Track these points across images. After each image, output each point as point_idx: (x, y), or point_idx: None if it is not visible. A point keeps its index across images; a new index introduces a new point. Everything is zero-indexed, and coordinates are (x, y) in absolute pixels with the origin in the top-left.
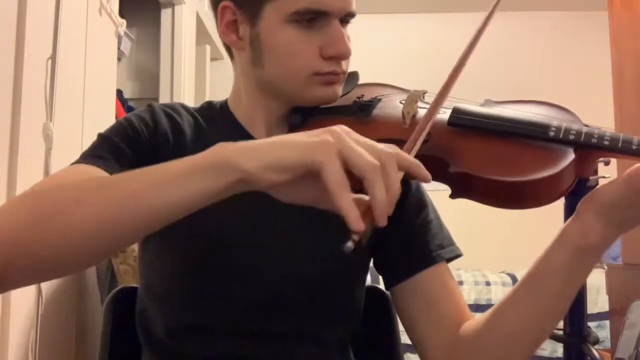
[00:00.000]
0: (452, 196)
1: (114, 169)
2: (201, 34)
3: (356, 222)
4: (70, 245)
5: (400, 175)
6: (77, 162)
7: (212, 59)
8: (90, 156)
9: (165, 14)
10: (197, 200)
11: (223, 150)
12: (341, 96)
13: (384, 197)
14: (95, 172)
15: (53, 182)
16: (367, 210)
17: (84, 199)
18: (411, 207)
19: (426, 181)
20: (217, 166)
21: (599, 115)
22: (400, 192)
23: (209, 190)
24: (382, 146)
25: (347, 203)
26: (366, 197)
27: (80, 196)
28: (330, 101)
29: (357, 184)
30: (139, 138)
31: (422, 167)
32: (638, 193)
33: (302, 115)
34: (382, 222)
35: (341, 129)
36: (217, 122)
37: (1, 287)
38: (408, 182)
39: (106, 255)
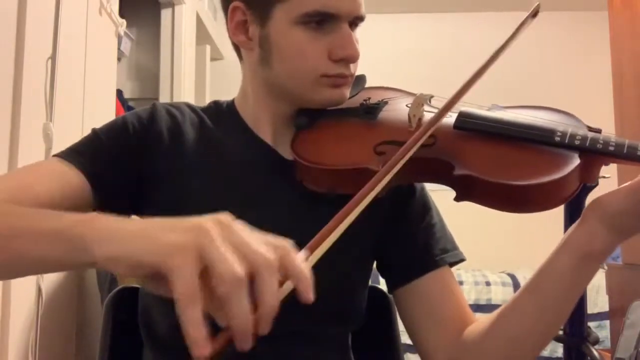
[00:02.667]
0: (457, 199)
1: (89, 169)
2: (201, 34)
3: (196, 345)
4: None
5: (288, 286)
6: (60, 155)
7: (212, 59)
8: (73, 151)
9: (165, 14)
10: (52, 265)
11: (85, 226)
12: (348, 98)
13: (242, 316)
14: (65, 171)
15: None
16: (227, 328)
17: None
18: (415, 211)
19: (307, 302)
20: (71, 241)
21: (599, 116)
22: (276, 308)
23: (62, 261)
24: (262, 250)
25: (190, 320)
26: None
27: None
28: (337, 103)
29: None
30: (128, 139)
31: (309, 282)
32: None
33: (309, 117)
34: (241, 344)
35: (218, 223)
36: (223, 122)
37: None
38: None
39: (19, 276)
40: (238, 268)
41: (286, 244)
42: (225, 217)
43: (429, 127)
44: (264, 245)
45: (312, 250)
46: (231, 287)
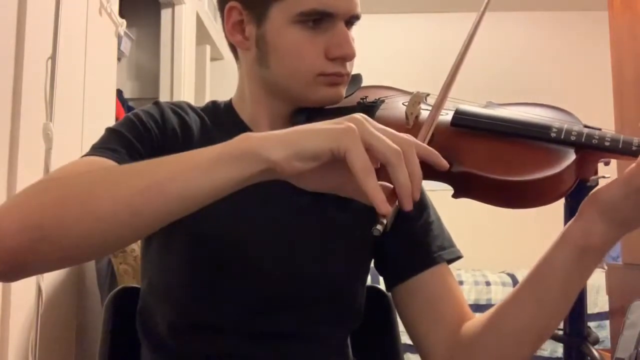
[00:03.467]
0: (455, 196)
1: (127, 160)
2: (201, 34)
3: (383, 204)
4: (93, 232)
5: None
6: (89, 154)
7: (212, 59)
8: (102, 149)
9: (165, 14)
10: (221, 190)
11: (248, 140)
12: (345, 97)
13: (407, 181)
14: (109, 164)
15: (71, 171)
16: (391, 195)
17: (105, 188)
18: (412, 209)
19: (444, 169)
20: (243, 156)
21: (599, 116)
22: (422, 176)
23: (233, 180)
24: (401, 134)
25: (373, 186)
26: (389, 185)
27: (101, 185)
28: (334, 102)
29: (379, 174)
30: (149, 133)
31: (439, 155)
32: (637, 192)
33: (306, 116)
34: (407, 206)
35: (362, 117)
36: (222, 122)
37: (23, 273)
38: None
39: (129, 242)
40: (395, 145)
41: (408, 134)
42: (362, 115)
43: (430, 123)
44: (397, 133)
45: (422, 140)
46: (395, 159)
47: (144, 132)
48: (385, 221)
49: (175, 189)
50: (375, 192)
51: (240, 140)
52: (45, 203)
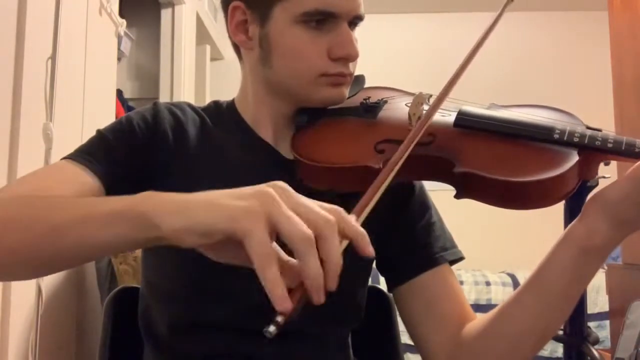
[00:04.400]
0: (457, 196)
1: (101, 169)
2: (201, 34)
3: (281, 300)
4: (13, 259)
5: (344, 244)
6: (69, 157)
7: (212, 59)
8: (82, 152)
9: (165, 14)
10: (114, 247)
11: (146, 203)
12: (348, 98)
13: (316, 272)
14: (78, 173)
15: (30, 182)
16: (301, 284)
17: (17, 222)
18: (414, 209)
19: (368, 256)
20: (135, 219)
21: (599, 116)
22: (341, 264)
23: (126, 240)
24: (322, 212)
25: (270, 279)
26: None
27: (16, 218)
28: (337, 102)
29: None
30: (135, 138)
31: (367, 238)
32: None
33: (309, 116)
34: (317, 299)
35: (277, 189)
36: (223, 122)
37: None
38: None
39: (46, 273)
40: (306, 228)
41: (338, 207)
42: (281, 183)
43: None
44: (321, 208)
45: (357, 215)
46: (304, 246)
47: (129, 136)
48: (281, 320)
49: (72, 238)
50: (273, 285)
51: (140, 200)
52: None
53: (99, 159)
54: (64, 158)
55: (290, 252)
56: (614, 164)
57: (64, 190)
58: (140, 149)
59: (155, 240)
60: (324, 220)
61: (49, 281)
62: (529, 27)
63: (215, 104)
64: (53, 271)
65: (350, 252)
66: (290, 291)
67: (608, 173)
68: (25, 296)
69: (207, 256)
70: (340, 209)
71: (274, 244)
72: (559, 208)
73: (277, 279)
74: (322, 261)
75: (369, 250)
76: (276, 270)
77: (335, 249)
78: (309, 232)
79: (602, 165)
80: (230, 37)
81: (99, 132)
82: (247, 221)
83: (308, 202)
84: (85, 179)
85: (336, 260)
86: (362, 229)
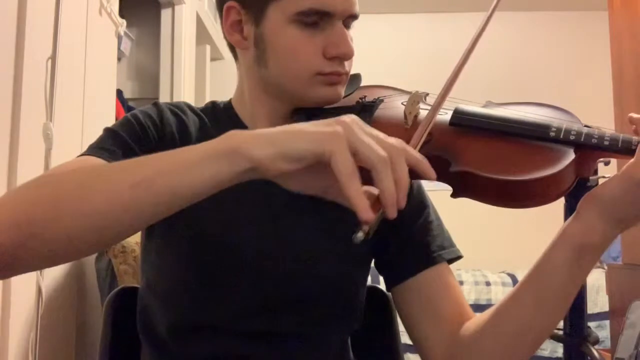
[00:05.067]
0: (454, 195)
1: (120, 160)
2: (201, 34)
3: (365, 211)
4: (82, 229)
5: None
6: (84, 154)
7: (212, 59)
8: (98, 148)
9: (165, 14)
10: (208, 187)
11: (233, 138)
12: (344, 97)
13: (392, 189)
14: (102, 163)
15: (66, 168)
16: (376, 202)
17: (96, 184)
18: (412, 208)
19: (432, 179)
20: (227, 154)
21: (599, 115)
22: (408, 184)
23: (219, 178)
24: (390, 139)
25: (356, 192)
26: (376, 190)
27: (93, 181)
28: (332, 101)
29: (365, 177)
30: (146, 134)
31: (428, 164)
32: (637, 186)
33: (305, 116)
34: (392, 213)
35: (351, 120)
36: (221, 122)
37: (12, 270)
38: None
39: (118, 240)
40: (384, 152)
41: (399, 139)
42: (353, 116)
43: (427, 124)
44: (388, 138)
45: (414, 147)
46: (381, 166)
47: (141, 132)
48: (367, 229)
49: (163, 185)
50: (358, 198)
51: (227, 138)
52: (36, 200)
53: (118, 154)
54: (80, 155)
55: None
56: (613, 164)
57: None
58: (152, 145)
59: (248, 171)
60: (394, 146)
61: (49, 281)
62: (529, 26)
63: (213, 105)
64: (140, 227)
65: (352, 253)
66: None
67: (608, 173)
68: (25, 296)
69: (285, 186)
70: (402, 141)
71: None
72: (559, 207)
73: (360, 193)
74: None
75: (432, 172)
76: (359, 185)
77: (405, 170)
78: (385, 154)
79: (602, 165)
80: (225, 37)
81: (109, 129)
82: (334, 143)
83: (378, 132)
84: None
85: (405, 179)
86: (422, 156)
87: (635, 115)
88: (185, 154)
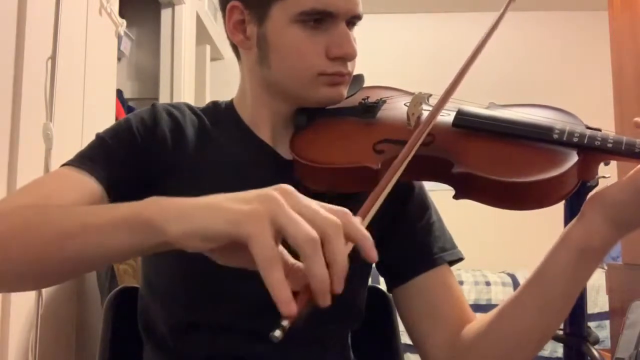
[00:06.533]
0: (456, 197)
1: (102, 174)
2: (201, 34)
3: (286, 304)
4: (9, 271)
5: (349, 247)
6: (69, 163)
7: (212, 59)
8: (83, 157)
9: (165, 14)
10: (119, 254)
11: (150, 208)
12: (346, 98)
13: (322, 274)
14: (80, 179)
15: (17, 200)
16: (306, 289)
17: (19, 233)
18: (414, 209)
19: (372, 261)
20: (141, 226)
21: (599, 115)
22: (347, 267)
23: (131, 247)
24: (328, 214)
25: (275, 283)
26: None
27: (17, 229)
28: (335, 102)
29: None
30: (134, 141)
31: (371, 241)
32: None
33: (308, 116)
34: (323, 301)
35: (282, 192)
36: (222, 122)
37: None
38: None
39: (48, 284)
40: (312, 230)
41: (344, 209)
42: (285, 186)
43: (426, 126)
44: (326, 210)
45: (363, 217)
46: (310, 248)
47: (129, 139)
48: (287, 324)
49: (73, 246)
50: (277, 289)
51: (145, 207)
52: None
53: (100, 164)
54: (64, 165)
55: (296, 256)
56: (613, 163)
57: (66, 197)
58: (139, 152)
59: (160, 245)
60: (330, 222)
61: None
62: (529, 26)
63: (214, 105)
64: (56, 282)
65: (352, 255)
66: (296, 294)
67: (608, 173)
68: (25, 296)
69: (214, 260)
70: (347, 211)
71: (280, 247)
72: (559, 208)
73: (281, 283)
74: (327, 264)
75: (373, 254)
76: (281, 274)
77: (342, 252)
78: (315, 233)
79: (602, 165)
80: (228, 37)
81: (98, 136)
82: (251, 225)
83: (313, 204)
84: (86, 184)
85: (342, 262)
86: (367, 232)
87: None
88: (103, 216)
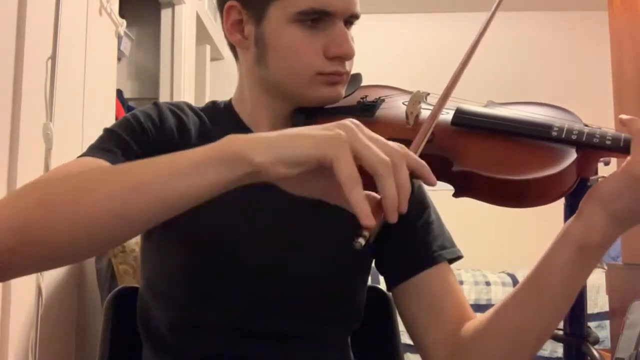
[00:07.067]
0: (455, 195)
1: (120, 160)
2: (201, 34)
3: (367, 217)
4: (77, 234)
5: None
6: (85, 154)
7: (212, 59)
8: (98, 149)
9: (165, 14)
10: (207, 192)
11: (234, 142)
12: (345, 97)
13: (394, 193)
14: (102, 164)
15: (61, 172)
16: (377, 207)
17: (91, 189)
18: (413, 208)
19: (432, 184)
20: (228, 158)
21: (599, 115)
22: (410, 189)
23: (219, 183)
24: (392, 144)
25: (358, 198)
26: (377, 195)
27: (88, 186)
28: (333, 101)
29: (367, 182)
30: (145, 134)
31: (429, 169)
32: (636, 181)
33: (306, 116)
34: (393, 218)
35: (353, 124)
36: (221, 122)
37: (5, 274)
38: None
39: (115, 244)
40: (386, 157)
41: (400, 144)
42: (354, 120)
43: (430, 124)
44: (389, 142)
45: (414, 152)
46: (384, 171)
47: (141, 132)
48: (367, 234)
49: (157, 191)
50: (360, 204)
51: (226, 142)
52: (31, 205)
53: (118, 154)
54: (80, 156)
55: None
56: (613, 163)
57: None
58: (152, 146)
59: (248, 175)
60: (397, 151)
61: (49, 281)
62: (529, 26)
63: (213, 104)
64: (129, 236)
65: (352, 254)
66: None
67: (608, 173)
68: (25, 296)
69: (288, 190)
70: (403, 145)
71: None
72: (559, 207)
73: (363, 198)
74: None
75: (433, 178)
76: (362, 191)
77: (406, 175)
78: (388, 159)
79: (602, 165)
80: (226, 36)
81: (109, 130)
82: (336, 147)
83: (379, 136)
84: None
85: (407, 184)
86: (424, 162)
87: (624, 117)
88: (183, 158)
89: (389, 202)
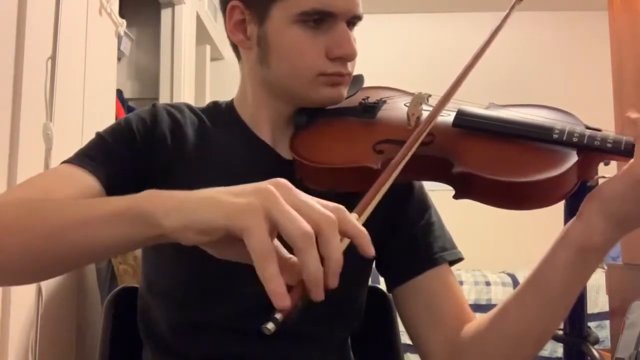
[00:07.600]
0: (456, 197)
1: (101, 171)
2: (201, 34)
3: (280, 298)
4: (7, 265)
5: (345, 243)
6: (69, 160)
7: (212, 59)
8: (82, 155)
9: (165, 14)
10: (116, 246)
11: (146, 200)
12: (346, 98)
13: (316, 269)
14: (79, 176)
15: (23, 191)
16: (300, 283)
17: (15, 226)
18: (414, 209)
19: (368, 255)
20: (133, 217)
21: (599, 116)
22: (342, 262)
23: (127, 240)
24: (323, 209)
25: (271, 276)
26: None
27: (14, 222)
28: (335, 102)
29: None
30: (134, 139)
31: (368, 237)
32: (638, 183)
33: (308, 116)
34: (318, 296)
35: (277, 186)
36: (222, 122)
37: None
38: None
39: (45, 278)
40: (306, 225)
41: (340, 205)
42: (282, 180)
43: (425, 126)
44: (322, 206)
45: (359, 214)
46: (304, 243)
47: (129, 138)
48: (279, 317)
49: (71, 238)
50: (272, 283)
51: (141, 199)
52: None
53: (99, 161)
54: (64, 162)
55: (292, 250)
56: (613, 164)
57: (65, 193)
58: (139, 151)
59: (156, 238)
60: (325, 217)
61: (49, 281)
62: (529, 26)
63: (215, 105)
64: (52, 275)
65: (351, 254)
66: (290, 289)
67: (608, 173)
68: (25, 296)
69: (210, 253)
70: (342, 207)
71: (276, 241)
72: (559, 208)
73: (275, 276)
74: (322, 258)
75: (370, 250)
76: (275, 267)
77: (336, 247)
78: (309, 228)
79: (602, 165)
80: (228, 36)
81: (98, 134)
82: (246, 218)
83: (309, 199)
84: (86, 181)
85: (336, 257)
86: (363, 228)
87: (634, 115)
88: (100, 208)
89: (310, 278)
